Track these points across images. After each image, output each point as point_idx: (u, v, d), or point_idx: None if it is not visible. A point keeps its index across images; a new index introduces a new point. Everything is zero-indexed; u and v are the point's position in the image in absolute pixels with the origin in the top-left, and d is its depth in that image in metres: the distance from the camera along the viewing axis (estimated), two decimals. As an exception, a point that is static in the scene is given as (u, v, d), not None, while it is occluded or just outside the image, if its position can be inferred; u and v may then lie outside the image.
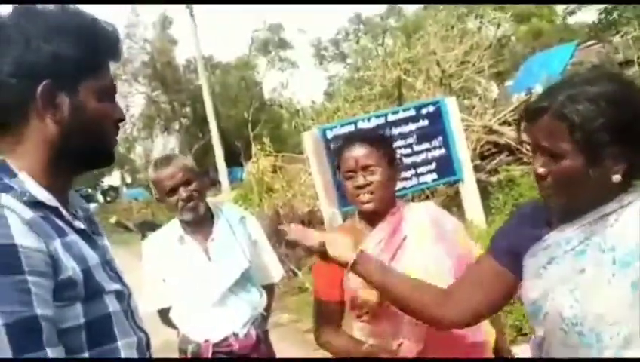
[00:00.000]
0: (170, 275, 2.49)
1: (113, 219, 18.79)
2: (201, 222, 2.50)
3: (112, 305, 1.10)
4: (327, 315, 1.95)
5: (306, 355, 5.35)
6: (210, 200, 2.68)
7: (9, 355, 0.89)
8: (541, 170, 1.25)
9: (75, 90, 1.09)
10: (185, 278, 2.46)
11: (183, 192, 2.41)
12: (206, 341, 2.43)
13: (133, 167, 39.98)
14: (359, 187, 1.87)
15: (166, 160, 2.51)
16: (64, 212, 1.10)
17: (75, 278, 1.02)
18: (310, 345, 5.83)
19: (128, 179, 41.33)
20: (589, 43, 12.45)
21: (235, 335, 2.44)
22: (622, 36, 8.10)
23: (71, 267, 1.01)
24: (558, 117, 1.19)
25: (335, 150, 2.02)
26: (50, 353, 0.93)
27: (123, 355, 1.10)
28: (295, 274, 7.70)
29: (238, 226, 2.59)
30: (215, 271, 2.45)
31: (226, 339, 2.43)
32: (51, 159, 1.10)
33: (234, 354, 2.44)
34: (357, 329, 1.91)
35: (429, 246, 1.86)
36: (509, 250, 1.39)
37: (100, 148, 1.17)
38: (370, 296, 1.81)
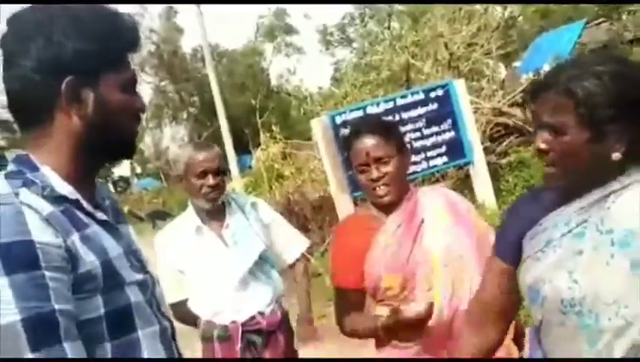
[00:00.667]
0: (189, 266, 2.52)
1: (125, 210, 18.92)
2: (215, 212, 2.55)
3: (134, 295, 1.12)
4: (349, 303, 1.95)
5: (318, 339, 5.40)
6: None
7: (27, 350, 0.90)
8: (543, 146, 1.25)
9: (97, 84, 1.11)
10: (204, 267, 2.50)
11: (211, 179, 2.46)
12: (232, 322, 2.48)
13: (142, 157, 40.10)
14: (374, 180, 1.84)
15: (207, 144, 2.62)
16: (85, 204, 1.11)
17: (94, 272, 1.03)
18: (322, 331, 5.89)
19: (138, 170, 41.49)
20: (597, 21, 12.31)
21: (261, 313, 2.51)
22: (631, 14, 8.00)
23: (89, 261, 1.03)
24: (563, 92, 1.21)
25: (344, 142, 1.99)
26: (68, 347, 0.94)
27: (145, 345, 1.11)
28: (308, 260, 7.74)
29: (250, 212, 2.63)
30: (233, 256, 2.50)
31: (253, 318, 2.49)
32: (75, 153, 1.12)
33: (262, 332, 2.50)
34: (380, 312, 1.92)
35: (449, 228, 1.87)
36: (511, 246, 1.40)
37: (122, 140, 1.19)
38: (394, 280, 1.82)
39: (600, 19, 11.99)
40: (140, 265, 1.20)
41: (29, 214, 0.98)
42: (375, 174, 1.84)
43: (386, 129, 1.92)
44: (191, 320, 2.58)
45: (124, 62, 1.16)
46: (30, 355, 0.90)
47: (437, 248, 1.82)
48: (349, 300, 1.95)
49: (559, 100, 1.21)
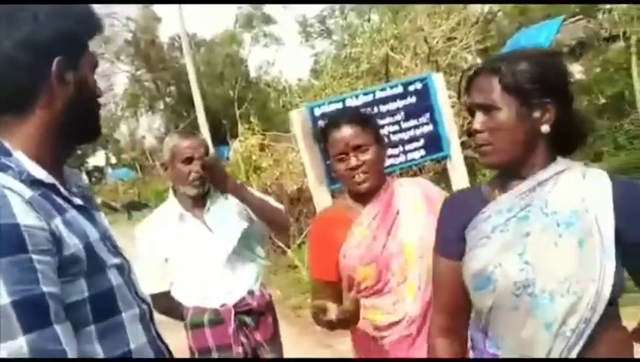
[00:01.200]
0: (173, 253, 2.51)
1: (99, 200, 18.69)
2: (198, 198, 2.56)
3: (115, 278, 1.12)
4: (325, 295, 1.94)
5: (295, 331, 5.41)
6: None
7: (18, 332, 0.90)
8: (477, 125, 1.33)
9: (78, 66, 1.12)
10: (189, 252, 2.49)
11: (197, 166, 2.47)
12: (223, 305, 2.47)
13: (117, 147, 39.63)
14: (353, 168, 1.86)
15: (192, 133, 2.67)
16: (62, 189, 1.10)
17: (78, 254, 1.03)
18: (300, 322, 5.90)
19: (113, 160, 40.98)
20: (574, 19, 12.45)
21: (251, 293, 2.51)
22: (606, 12, 8.10)
23: (73, 244, 1.03)
24: (490, 72, 1.31)
25: (321, 133, 1.97)
26: (58, 329, 0.95)
27: (128, 327, 1.12)
28: (284, 252, 7.73)
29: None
30: (216, 239, 2.50)
31: (243, 299, 2.49)
32: (49, 137, 1.11)
33: (253, 312, 2.50)
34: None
35: (424, 219, 1.87)
36: (455, 241, 1.41)
37: (93, 122, 1.21)
38: (368, 272, 1.82)
39: (577, 17, 12.14)
40: (115, 250, 1.20)
41: (12, 197, 0.97)
42: (354, 162, 1.85)
43: (363, 119, 1.94)
44: (175, 310, 2.55)
45: (88, 45, 1.16)
46: (22, 337, 0.90)
47: (412, 239, 1.84)
48: (326, 292, 1.95)
49: (487, 80, 1.31)
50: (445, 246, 1.45)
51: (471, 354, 1.44)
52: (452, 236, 1.42)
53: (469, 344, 1.45)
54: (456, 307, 1.45)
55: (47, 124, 1.10)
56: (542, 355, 1.25)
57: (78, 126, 1.15)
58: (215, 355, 2.46)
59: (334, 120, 1.95)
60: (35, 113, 1.09)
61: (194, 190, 2.51)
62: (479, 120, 1.33)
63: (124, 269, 1.18)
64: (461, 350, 1.47)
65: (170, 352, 1.27)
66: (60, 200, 1.08)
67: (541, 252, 1.26)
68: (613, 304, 1.25)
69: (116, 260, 1.16)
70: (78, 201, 1.13)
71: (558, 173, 1.32)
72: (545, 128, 1.30)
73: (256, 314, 2.53)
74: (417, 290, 1.81)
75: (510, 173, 1.36)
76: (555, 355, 1.24)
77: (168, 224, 2.53)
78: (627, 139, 8.90)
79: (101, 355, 1.05)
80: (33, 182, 1.04)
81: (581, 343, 1.23)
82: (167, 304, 2.50)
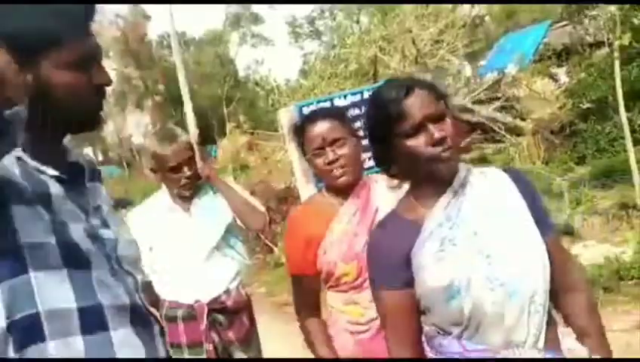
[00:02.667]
0: (158, 242, 2.49)
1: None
2: (189, 197, 2.55)
3: (82, 237, 1.14)
4: (305, 291, 1.97)
5: (282, 328, 5.43)
6: None
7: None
8: (440, 133, 1.36)
9: (37, 65, 1.09)
10: (172, 243, 2.48)
11: (187, 171, 2.44)
12: (197, 301, 2.45)
13: (104, 145, 39.35)
14: (331, 162, 1.85)
15: (173, 135, 2.49)
16: (27, 159, 1.12)
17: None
18: (286, 319, 5.93)
19: (100, 157, 40.68)
20: (561, 24, 12.60)
21: (227, 291, 2.50)
22: (593, 18, 8.22)
23: None
24: (426, 87, 1.41)
25: (297, 131, 1.95)
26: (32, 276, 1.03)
27: (96, 282, 1.13)
28: (271, 250, 7.77)
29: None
30: (200, 230, 2.49)
31: (218, 297, 2.48)
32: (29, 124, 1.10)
33: (227, 311, 2.48)
34: (332, 298, 1.94)
35: None
36: (399, 270, 1.41)
37: (75, 116, 1.17)
38: (350, 269, 1.83)
39: (563, 22, 12.28)
40: (102, 220, 1.23)
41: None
42: (331, 156, 1.85)
43: (337, 114, 1.96)
44: (154, 302, 2.55)
45: (70, 42, 1.12)
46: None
47: None
48: (305, 286, 1.97)
49: (427, 94, 1.39)
50: (389, 279, 1.43)
51: None
52: (393, 267, 1.42)
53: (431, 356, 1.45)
54: (412, 333, 1.45)
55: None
56: (524, 335, 1.34)
57: (52, 120, 1.14)
58: (186, 351, 2.45)
59: (309, 116, 1.96)
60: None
61: (187, 192, 2.51)
62: (437, 127, 1.37)
63: (101, 239, 1.19)
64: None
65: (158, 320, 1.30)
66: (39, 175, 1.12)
67: (495, 243, 1.35)
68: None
69: (89, 226, 1.18)
70: (51, 172, 1.15)
71: (466, 175, 1.44)
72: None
73: (231, 313, 2.51)
74: None
75: (422, 190, 1.44)
76: (533, 332, 1.34)
77: (157, 213, 2.53)
78: (609, 143, 9.03)
79: (72, 300, 1.08)
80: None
81: (546, 317, 1.35)
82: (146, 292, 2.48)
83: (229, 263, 2.55)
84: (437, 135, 1.35)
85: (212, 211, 2.54)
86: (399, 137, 1.38)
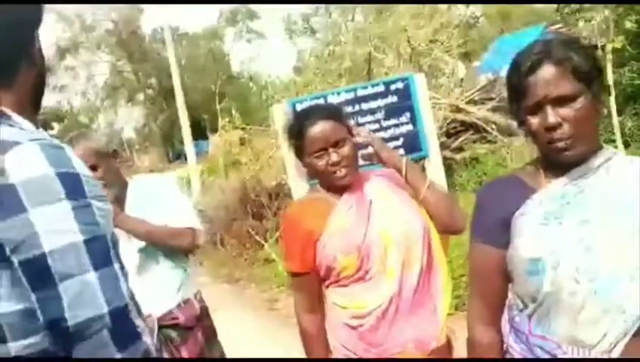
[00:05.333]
0: None
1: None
2: (118, 201, 2.34)
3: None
4: (305, 288, 1.96)
5: (271, 324, 5.43)
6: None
7: (90, 267, 0.97)
8: (554, 119, 1.27)
9: (36, 36, 1.16)
10: None
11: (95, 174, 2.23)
12: (149, 316, 2.22)
13: (95, 138, 39.03)
14: (334, 164, 1.85)
15: (79, 138, 2.31)
16: None
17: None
18: (275, 315, 5.93)
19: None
20: (555, 27, 12.65)
21: (179, 306, 2.35)
22: (587, 21, 8.25)
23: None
24: (559, 62, 1.27)
25: (295, 131, 1.92)
26: (117, 267, 1.04)
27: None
28: (262, 247, 7.75)
29: (150, 193, 2.44)
30: (127, 241, 2.30)
31: (169, 312, 2.32)
32: (26, 104, 1.14)
33: (180, 326, 2.34)
34: (333, 295, 1.93)
35: (398, 209, 1.90)
36: (499, 229, 1.39)
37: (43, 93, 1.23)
38: (350, 261, 1.83)
39: (557, 25, 12.33)
40: None
41: (59, 149, 1.02)
42: (335, 158, 1.85)
43: (336, 113, 1.94)
44: None
45: None
46: (93, 273, 0.97)
47: (388, 227, 1.86)
48: (305, 284, 1.95)
49: (558, 70, 1.27)
50: (487, 234, 1.43)
51: (510, 339, 1.42)
52: (494, 224, 1.40)
53: (505, 328, 1.45)
54: (495, 294, 1.44)
55: (27, 92, 1.14)
56: (596, 339, 1.26)
57: (39, 95, 1.19)
58: None
59: (309, 117, 1.91)
60: (21, 81, 1.12)
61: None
62: (555, 113, 1.27)
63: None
64: (498, 336, 1.46)
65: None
66: None
67: (602, 238, 1.26)
68: None
69: None
70: None
71: (607, 160, 1.32)
72: (604, 112, 1.32)
73: (184, 328, 2.34)
74: (396, 276, 1.84)
75: (549, 158, 1.36)
76: (609, 340, 1.25)
77: None
78: (600, 144, 9.09)
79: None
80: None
81: (634, 329, 1.24)
82: None
83: (169, 273, 2.37)
84: (551, 119, 1.27)
85: (144, 217, 2.33)
86: (524, 110, 1.33)
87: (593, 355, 1.25)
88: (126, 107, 37.19)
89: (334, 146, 1.85)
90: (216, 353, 2.47)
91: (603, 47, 6.94)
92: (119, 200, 2.36)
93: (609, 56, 6.50)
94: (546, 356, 1.31)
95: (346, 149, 1.86)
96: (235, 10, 36.19)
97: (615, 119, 6.56)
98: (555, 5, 9.79)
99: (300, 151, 1.93)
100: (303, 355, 2.04)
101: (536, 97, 1.28)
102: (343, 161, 1.86)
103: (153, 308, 2.26)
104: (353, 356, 1.91)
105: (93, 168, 2.24)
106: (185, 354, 2.33)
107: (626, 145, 7.24)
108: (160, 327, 2.29)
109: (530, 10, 22.49)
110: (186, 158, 16.88)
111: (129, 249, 2.30)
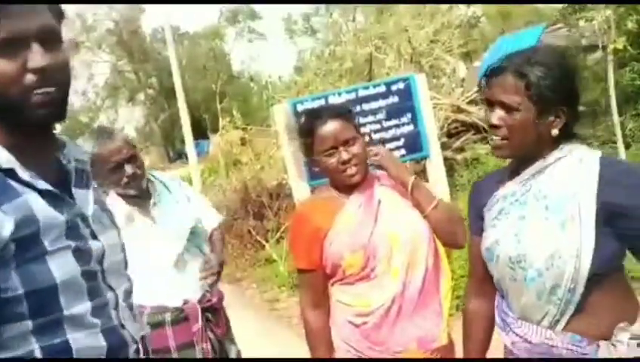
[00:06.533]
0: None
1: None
2: (143, 195, 2.44)
3: (62, 268, 1.08)
4: (311, 286, 1.98)
5: (272, 324, 5.44)
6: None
7: None
8: (497, 121, 1.46)
9: None
10: (140, 253, 2.29)
11: (129, 169, 2.32)
12: (185, 303, 2.40)
13: (96, 137, 39.05)
14: (345, 162, 1.88)
15: (109, 133, 2.37)
16: (21, 173, 1.07)
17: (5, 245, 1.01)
18: (277, 315, 5.93)
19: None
20: (556, 26, 12.65)
21: (209, 291, 2.48)
22: (588, 21, 8.24)
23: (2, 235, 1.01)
24: (518, 75, 1.41)
25: (305, 129, 1.95)
26: None
27: (69, 325, 1.10)
28: (263, 247, 7.74)
29: (174, 188, 2.58)
30: (165, 236, 2.41)
31: (204, 296, 2.46)
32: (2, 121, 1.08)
33: (214, 307, 2.48)
34: (338, 292, 1.95)
35: (406, 209, 1.93)
36: (476, 220, 1.62)
37: (16, 108, 1.08)
38: (356, 259, 1.85)
39: (558, 25, 12.32)
40: (90, 231, 1.18)
41: None
42: (345, 156, 1.87)
43: (345, 113, 1.97)
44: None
45: None
46: None
47: (395, 227, 1.89)
48: (311, 281, 1.98)
49: (512, 82, 1.42)
50: (472, 225, 1.67)
51: (496, 313, 1.63)
52: (474, 216, 1.64)
53: (495, 303, 1.65)
54: (484, 274, 1.63)
55: None
56: (539, 318, 1.46)
57: (5, 115, 1.08)
58: (175, 355, 2.38)
59: (319, 115, 1.94)
60: None
61: (132, 191, 2.37)
62: (498, 115, 1.45)
63: (89, 254, 1.15)
64: (485, 305, 1.69)
65: (135, 340, 1.26)
66: (15, 185, 1.06)
67: (531, 232, 1.45)
68: (603, 277, 1.39)
69: (78, 243, 1.13)
70: (42, 186, 1.10)
71: (557, 160, 1.47)
72: (554, 132, 1.45)
73: (215, 310, 2.51)
74: (400, 276, 1.86)
75: (521, 160, 1.52)
76: (549, 319, 1.44)
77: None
78: (600, 146, 9.09)
79: (35, 345, 1.05)
80: None
81: (572, 307, 1.41)
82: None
83: (199, 264, 2.49)
84: (492, 119, 1.46)
85: (175, 214, 2.47)
86: (483, 100, 1.52)
87: (540, 329, 1.46)
88: (127, 107, 37.21)
89: (344, 145, 1.88)
90: (232, 337, 2.64)
91: (604, 48, 6.93)
92: (146, 193, 2.45)
93: (610, 57, 6.49)
94: (508, 328, 1.54)
95: (355, 148, 1.89)
96: (236, 10, 36.19)
97: (616, 120, 6.55)
98: (557, 5, 9.79)
99: (309, 150, 1.95)
100: (303, 355, 2.05)
101: (488, 96, 1.47)
102: (353, 160, 1.89)
103: (193, 294, 2.43)
104: (356, 354, 1.93)
105: (133, 158, 2.35)
106: (219, 332, 2.50)
107: (627, 146, 7.24)
108: (201, 310, 2.42)
109: (531, 10, 22.49)
110: (186, 158, 16.88)
111: (171, 245, 2.41)
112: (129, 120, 37.25)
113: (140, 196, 2.42)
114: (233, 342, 2.62)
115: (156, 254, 2.39)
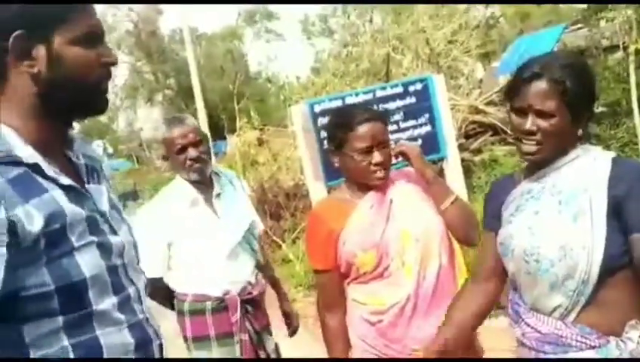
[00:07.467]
0: (180, 238, 2.47)
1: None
2: (205, 183, 2.55)
3: (90, 262, 1.10)
4: (327, 286, 2.00)
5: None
6: None
7: None
8: (532, 127, 1.48)
9: (50, 40, 1.09)
10: (196, 238, 2.47)
11: (192, 152, 2.46)
12: (226, 293, 2.48)
13: (115, 138, 39.55)
14: (377, 163, 1.89)
15: (179, 119, 2.57)
16: (46, 168, 1.09)
17: (38, 239, 1.02)
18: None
19: (110, 150, 40.88)
20: (576, 27, 12.51)
21: (251, 283, 2.56)
22: (609, 21, 8.15)
23: (35, 230, 1.02)
24: (553, 81, 1.45)
25: (342, 123, 1.95)
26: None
27: (99, 319, 1.11)
28: (279, 247, 7.77)
29: (237, 184, 2.70)
30: (224, 227, 2.51)
31: (245, 288, 2.53)
32: (34, 112, 1.11)
33: (254, 299, 2.55)
34: (353, 291, 1.97)
35: (418, 206, 1.95)
36: (496, 217, 1.65)
37: (86, 96, 1.16)
38: (369, 258, 1.87)
39: (578, 25, 12.20)
40: (109, 226, 1.19)
41: None
42: (379, 158, 1.89)
43: (385, 117, 2.00)
44: (164, 297, 2.55)
45: (79, 16, 1.12)
46: None
47: (408, 225, 1.91)
48: (327, 281, 2.00)
49: (549, 88, 1.45)
50: (487, 222, 1.71)
51: (509, 306, 1.65)
52: (490, 211, 1.70)
53: (508, 297, 1.67)
54: (491, 268, 1.68)
55: (26, 100, 1.10)
56: (550, 309, 1.49)
57: (66, 100, 1.13)
58: (214, 343, 2.46)
59: (361, 113, 1.94)
60: (11, 90, 1.09)
61: (194, 175, 2.49)
62: (533, 122, 1.48)
63: (110, 249, 1.16)
64: (485, 299, 1.71)
65: (158, 335, 1.27)
66: (41, 180, 1.07)
67: (544, 225, 1.49)
68: (615, 271, 1.41)
69: (100, 239, 1.14)
70: (65, 181, 1.11)
71: (572, 160, 1.52)
72: (580, 133, 1.51)
73: (255, 302, 2.57)
74: (414, 273, 1.88)
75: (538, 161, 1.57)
76: (560, 310, 1.47)
77: (178, 207, 2.49)
78: (620, 147, 8.95)
79: (66, 342, 1.06)
80: (15, 162, 1.05)
81: (583, 299, 1.44)
82: (157, 289, 2.44)
83: (248, 258, 2.59)
84: (529, 126, 1.49)
85: (235, 208, 2.57)
86: (512, 107, 1.55)
87: (550, 320, 1.49)
88: (145, 107, 37.52)
89: (379, 146, 1.90)
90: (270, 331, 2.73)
91: (625, 48, 6.85)
92: (208, 181, 2.56)
93: (632, 57, 6.41)
94: (520, 319, 1.57)
95: (387, 152, 1.93)
96: (254, 11, 36.31)
97: (637, 121, 6.47)
98: (577, 5, 9.68)
99: (341, 144, 1.95)
100: (320, 355, 2.06)
101: (523, 103, 1.49)
102: (385, 163, 1.91)
103: (234, 286, 2.51)
104: (373, 351, 1.94)
105: (199, 143, 2.49)
106: (257, 324, 2.58)
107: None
108: (241, 302, 2.50)
109: (550, 10, 22.27)
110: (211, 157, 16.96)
111: (228, 237, 2.51)
112: (147, 120, 37.57)
113: (204, 183, 2.54)
114: (271, 334, 2.69)
115: (212, 244, 2.48)
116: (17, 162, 1.05)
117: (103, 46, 1.17)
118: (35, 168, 1.07)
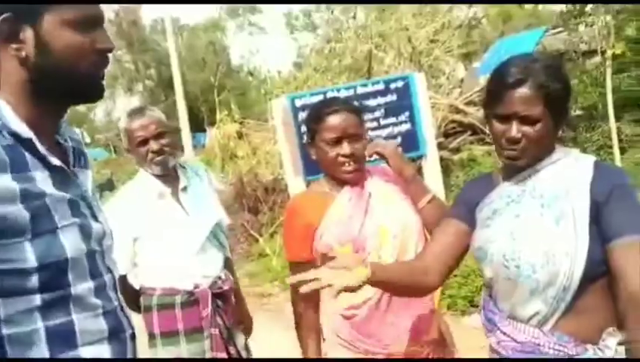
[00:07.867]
0: (146, 233, 2.41)
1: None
2: (171, 177, 2.49)
3: (71, 242, 1.09)
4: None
5: (264, 319, 5.44)
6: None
7: None
8: (517, 134, 1.45)
9: (39, 22, 1.07)
10: (163, 233, 2.41)
11: (153, 145, 2.40)
12: (196, 287, 2.42)
13: (92, 127, 39.04)
14: (346, 156, 1.88)
15: (140, 111, 2.48)
16: (39, 146, 1.08)
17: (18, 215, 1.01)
18: (269, 309, 5.94)
19: (87, 139, 40.32)
20: (556, 30, 12.66)
21: (220, 278, 2.51)
22: (588, 25, 8.25)
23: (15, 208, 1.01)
24: (538, 86, 1.42)
25: (314, 114, 1.95)
26: None
27: (76, 300, 1.10)
28: (257, 241, 7.75)
29: (204, 177, 2.63)
30: (193, 221, 2.45)
31: (215, 282, 2.48)
32: (27, 97, 1.10)
33: (224, 294, 2.50)
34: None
35: (396, 202, 1.95)
36: (468, 210, 1.63)
37: (79, 84, 1.14)
38: (344, 251, 1.86)
39: (558, 29, 12.34)
40: (91, 211, 1.19)
41: None
42: (348, 150, 1.87)
43: (358, 110, 1.97)
44: (128, 293, 2.43)
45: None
46: None
47: (385, 220, 1.90)
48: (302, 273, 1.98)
49: (534, 94, 1.42)
50: (459, 211, 1.65)
51: (482, 315, 1.62)
52: (461, 204, 1.66)
53: (481, 304, 1.65)
54: (440, 255, 1.61)
55: (18, 84, 1.09)
56: (528, 316, 1.46)
57: (57, 85, 1.11)
58: (183, 338, 2.41)
59: (332, 104, 1.93)
60: (3, 72, 1.08)
61: (157, 168, 2.43)
62: (519, 129, 1.44)
63: (90, 233, 1.15)
64: (420, 280, 1.59)
65: (131, 325, 1.26)
66: (29, 157, 1.06)
67: (525, 230, 1.46)
68: (595, 278, 1.39)
69: (81, 221, 1.13)
70: (54, 162, 1.10)
71: (553, 162, 1.50)
72: (560, 134, 1.50)
73: (225, 297, 2.52)
74: None
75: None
76: (538, 317, 1.44)
77: (144, 201, 2.43)
78: (595, 151, 9.10)
79: (40, 324, 1.05)
80: (10, 133, 1.05)
81: (562, 307, 1.41)
82: (122, 288, 2.33)
83: (217, 252, 2.54)
84: (514, 133, 1.44)
85: (202, 202, 2.52)
86: (493, 114, 1.50)
87: (527, 328, 1.46)
88: (125, 97, 37.11)
89: (349, 138, 1.88)
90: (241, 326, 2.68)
91: (603, 52, 6.95)
92: (172, 174, 2.50)
93: (609, 62, 6.51)
94: (495, 327, 1.54)
95: (358, 145, 1.90)
96: (236, 5, 36.07)
97: (613, 124, 6.58)
98: (557, 9, 9.78)
99: (313, 136, 1.95)
100: (295, 350, 2.06)
101: (507, 110, 1.45)
102: (354, 156, 1.89)
103: (205, 280, 2.45)
104: (346, 346, 1.93)
105: (161, 136, 2.42)
106: (227, 318, 2.52)
107: (622, 151, 7.27)
108: (212, 295, 2.45)
109: (531, 13, 22.53)
110: (183, 150, 16.86)
111: (195, 232, 2.46)
112: (126, 110, 37.17)
113: (170, 177, 2.48)
114: (241, 330, 2.65)
115: (181, 238, 2.42)
116: (12, 134, 1.05)
117: (100, 32, 1.14)
118: (27, 145, 1.07)
